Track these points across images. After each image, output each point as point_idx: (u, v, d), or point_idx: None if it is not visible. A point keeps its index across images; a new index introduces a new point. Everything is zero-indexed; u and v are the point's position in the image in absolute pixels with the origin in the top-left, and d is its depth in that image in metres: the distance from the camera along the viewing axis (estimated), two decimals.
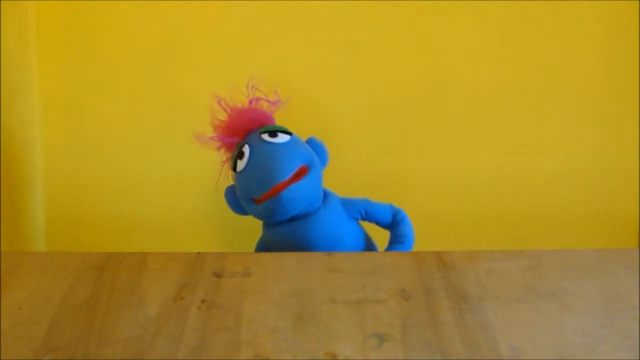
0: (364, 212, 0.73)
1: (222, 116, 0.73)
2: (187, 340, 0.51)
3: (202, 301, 0.55)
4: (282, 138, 0.69)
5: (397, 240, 0.72)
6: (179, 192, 0.95)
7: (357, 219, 0.73)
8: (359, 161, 0.94)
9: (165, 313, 0.54)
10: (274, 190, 0.66)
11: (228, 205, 0.73)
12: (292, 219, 0.69)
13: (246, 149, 0.69)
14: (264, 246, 0.75)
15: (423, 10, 0.90)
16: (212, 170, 0.94)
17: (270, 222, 0.71)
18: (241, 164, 0.69)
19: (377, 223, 0.74)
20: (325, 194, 0.72)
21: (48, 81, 0.91)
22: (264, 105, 0.73)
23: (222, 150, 0.74)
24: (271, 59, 0.91)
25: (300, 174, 0.68)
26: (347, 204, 0.73)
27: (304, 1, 0.89)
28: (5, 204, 0.83)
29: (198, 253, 0.62)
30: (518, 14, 0.90)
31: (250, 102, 0.73)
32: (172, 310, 0.54)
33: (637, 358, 0.50)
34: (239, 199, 0.71)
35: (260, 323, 0.53)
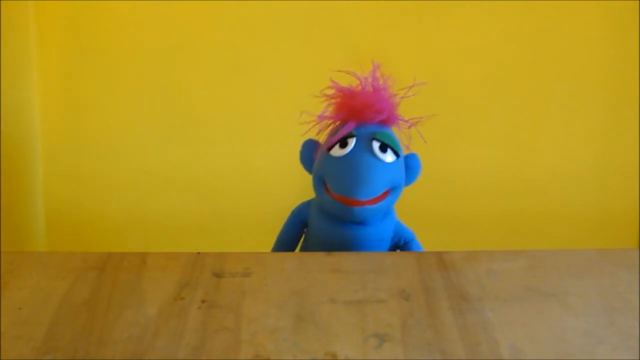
0: (404, 243, 0.71)
1: (354, 89, 0.67)
2: (187, 340, 0.51)
3: (202, 301, 0.55)
4: (388, 157, 0.65)
5: None
6: (179, 192, 0.95)
7: (395, 245, 0.71)
8: None
9: (165, 313, 0.54)
10: (351, 201, 0.64)
11: (301, 156, 0.69)
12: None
13: (351, 143, 0.65)
14: (307, 211, 0.71)
15: (423, 10, 0.90)
16: (212, 170, 0.95)
17: (327, 211, 0.68)
18: (338, 152, 0.65)
19: None
20: (387, 211, 0.69)
21: (48, 81, 0.91)
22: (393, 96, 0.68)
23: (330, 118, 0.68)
24: (271, 59, 0.91)
25: (381, 197, 0.65)
26: (398, 228, 0.70)
27: (306, 2, 0.89)
28: (5, 204, 0.83)
29: (198, 253, 0.62)
30: (518, 14, 0.90)
31: (384, 87, 0.68)
32: (172, 310, 0.54)
33: (637, 358, 0.50)
34: (314, 169, 0.67)
35: (260, 323, 0.53)
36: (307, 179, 0.91)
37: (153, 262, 0.61)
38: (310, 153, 0.69)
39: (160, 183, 0.94)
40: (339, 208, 0.65)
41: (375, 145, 0.65)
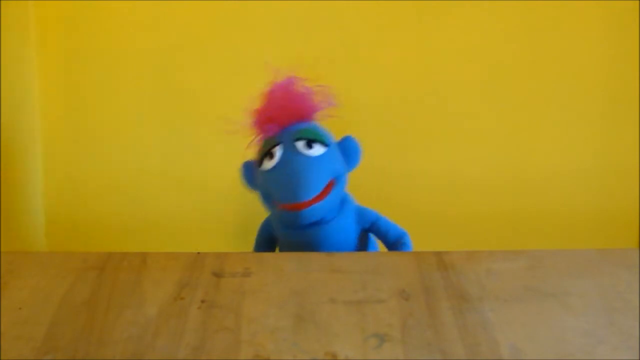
0: (371, 224, 0.71)
1: (265, 98, 0.68)
2: (187, 340, 0.51)
3: (202, 301, 0.55)
4: (316, 150, 0.65)
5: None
6: (179, 192, 0.95)
7: (362, 229, 0.71)
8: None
9: (165, 313, 0.54)
10: (295, 206, 0.64)
11: (242, 178, 0.70)
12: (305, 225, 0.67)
13: (277, 152, 0.65)
14: (268, 234, 0.73)
15: (423, 11, 0.90)
16: (212, 170, 0.95)
17: (283, 224, 0.69)
18: (268, 165, 0.66)
19: (381, 238, 0.72)
20: (343, 200, 0.69)
21: (48, 81, 0.91)
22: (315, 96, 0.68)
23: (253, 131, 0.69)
24: (272, 60, 0.91)
25: (325, 191, 0.65)
26: (360, 213, 0.70)
27: (306, 2, 0.89)
28: (5, 204, 0.83)
29: (198, 253, 0.62)
30: (518, 14, 0.90)
31: (295, 86, 0.68)
32: (172, 310, 0.54)
33: (637, 358, 0.50)
34: (258, 189, 0.68)
35: (260, 323, 0.53)
36: None
37: (153, 262, 0.61)
38: (250, 174, 0.70)
39: (160, 183, 0.94)
40: (290, 216, 0.66)
41: (300, 144, 0.65)
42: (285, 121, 0.67)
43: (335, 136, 0.92)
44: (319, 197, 0.65)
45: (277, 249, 0.75)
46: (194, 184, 0.95)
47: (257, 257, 0.62)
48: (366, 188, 0.90)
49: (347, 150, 0.69)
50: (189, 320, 0.53)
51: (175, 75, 0.91)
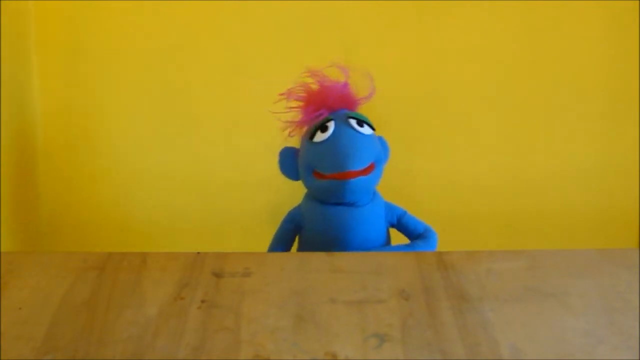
0: (398, 220, 0.74)
1: (315, 86, 0.73)
2: (187, 340, 0.51)
3: (202, 301, 0.55)
4: (366, 130, 0.71)
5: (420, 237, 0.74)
6: (179, 192, 0.95)
7: (390, 224, 0.75)
8: None
9: (165, 313, 0.54)
10: (344, 174, 0.68)
11: (281, 165, 0.74)
12: (340, 204, 0.71)
13: (331, 125, 0.70)
14: (296, 217, 0.74)
15: (424, 11, 0.90)
16: (212, 170, 0.95)
17: (319, 198, 0.72)
18: (321, 137, 0.70)
19: (408, 234, 0.75)
20: (374, 193, 0.74)
21: (48, 81, 0.91)
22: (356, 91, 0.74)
23: (303, 116, 0.73)
24: (271, 60, 0.91)
25: (368, 169, 0.69)
26: (388, 207, 0.74)
27: (306, 2, 0.89)
28: (5, 204, 0.83)
29: (198, 253, 0.62)
30: (518, 14, 0.90)
31: (346, 82, 0.73)
32: (172, 310, 0.54)
33: (637, 358, 0.50)
34: (299, 164, 0.72)
35: (260, 323, 0.53)
36: None
37: (153, 262, 0.61)
38: (291, 159, 0.73)
39: (160, 183, 0.94)
40: (334, 188, 0.69)
41: (353, 122, 0.71)
42: (336, 105, 0.72)
43: None
44: (365, 171, 0.69)
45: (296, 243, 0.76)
46: (194, 184, 0.95)
47: (257, 257, 0.62)
48: None
49: (382, 145, 0.75)
50: (189, 320, 0.53)
51: (176, 75, 0.91)
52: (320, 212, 0.71)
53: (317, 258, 0.62)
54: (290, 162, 0.73)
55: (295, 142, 0.74)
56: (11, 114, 0.85)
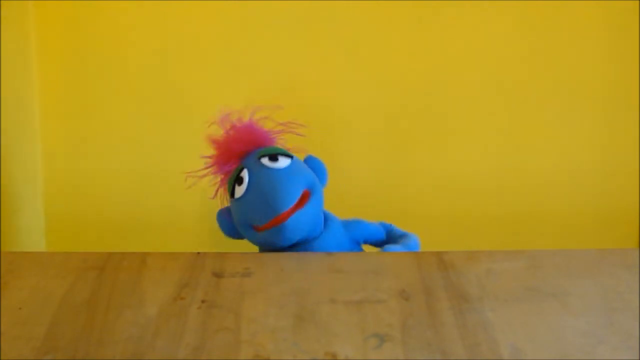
0: (362, 232, 0.71)
1: (220, 136, 0.70)
2: (187, 340, 0.51)
3: (202, 301, 0.55)
4: (282, 162, 0.66)
5: (400, 237, 0.71)
6: (179, 192, 0.95)
7: (359, 242, 0.71)
8: (359, 162, 0.94)
9: (165, 313, 0.54)
10: (276, 220, 0.63)
11: (221, 229, 0.70)
12: (294, 245, 0.66)
13: (245, 175, 0.66)
14: None
15: (423, 12, 0.90)
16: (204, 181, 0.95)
17: (271, 249, 0.68)
18: (240, 190, 0.66)
19: (373, 243, 0.72)
20: (326, 217, 0.70)
21: (48, 81, 0.91)
22: (266, 124, 0.70)
23: (216, 171, 0.71)
24: (272, 60, 0.91)
25: (302, 200, 0.65)
26: (347, 226, 0.70)
27: (306, 2, 0.89)
28: (5, 204, 0.83)
29: (198, 253, 0.62)
30: (518, 15, 0.90)
31: (248, 121, 0.70)
32: (172, 310, 0.54)
33: (637, 358, 0.50)
34: (236, 224, 0.68)
35: (260, 323, 0.53)
36: None
37: (153, 262, 0.61)
38: (227, 219, 0.69)
39: (160, 183, 0.94)
40: (276, 235, 0.64)
41: (265, 160, 0.66)
42: (245, 149, 0.68)
43: (336, 136, 0.92)
44: (299, 204, 0.64)
45: None
46: (194, 184, 0.95)
47: (257, 257, 0.62)
48: (366, 189, 0.90)
49: (314, 167, 0.70)
50: (189, 320, 0.53)
51: (176, 75, 0.91)
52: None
53: (317, 258, 0.62)
54: (228, 224, 0.69)
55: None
56: (11, 114, 0.85)
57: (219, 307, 0.55)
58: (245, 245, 0.94)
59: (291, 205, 0.63)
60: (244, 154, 0.68)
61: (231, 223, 0.69)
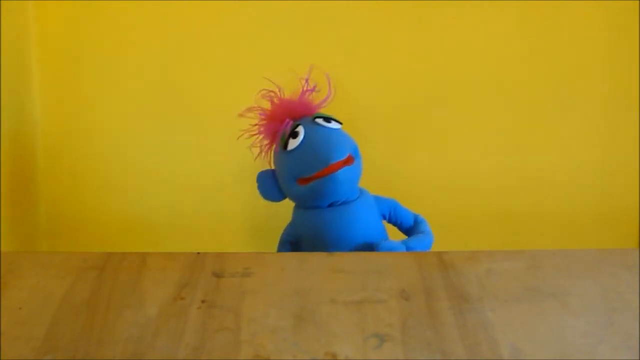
0: (391, 211, 0.76)
1: (269, 104, 0.74)
2: (187, 340, 0.51)
3: (202, 301, 0.55)
4: (335, 125, 0.72)
5: (419, 232, 0.75)
6: (179, 192, 0.95)
7: (384, 217, 0.76)
8: None
9: (165, 313, 0.54)
10: (329, 168, 0.69)
11: (261, 189, 0.75)
12: (331, 205, 0.71)
13: (300, 129, 0.71)
14: (293, 232, 0.75)
15: (425, 11, 0.90)
16: (212, 170, 0.95)
17: (310, 205, 0.72)
18: (294, 143, 0.70)
19: (399, 225, 0.77)
20: (360, 189, 0.75)
21: (48, 81, 0.91)
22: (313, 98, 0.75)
23: (259, 137, 0.75)
24: (271, 60, 0.91)
25: (350, 159, 0.70)
26: (378, 200, 0.75)
27: (306, 2, 0.89)
28: (5, 204, 0.83)
29: (198, 253, 0.62)
30: (518, 14, 0.90)
31: (302, 93, 0.74)
32: (172, 310, 0.54)
33: (637, 358, 0.50)
34: (280, 180, 0.73)
35: (260, 323, 0.53)
36: None
37: (153, 262, 0.61)
38: (270, 181, 0.74)
39: (160, 183, 0.94)
40: (323, 186, 0.69)
41: (320, 120, 0.72)
42: (297, 114, 0.73)
43: None
44: (347, 161, 0.70)
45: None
46: (195, 184, 0.95)
47: (257, 257, 0.62)
48: (366, 188, 0.90)
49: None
50: (189, 320, 0.53)
51: (176, 75, 0.91)
52: (315, 218, 0.72)
53: (317, 258, 0.62)
54: (270, 184, 0.74)
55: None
56: (11, 114, 0.85)
57: (219, 307, 0.55)
58: (245, 246, 0.94)
59: (342, 159, 0.69)
60: (298, 117, 0.73)
61: (272, 183, 0.74)
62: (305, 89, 0.74)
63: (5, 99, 0.83)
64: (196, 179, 0.95)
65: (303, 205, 0.73)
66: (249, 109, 0.74)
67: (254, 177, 0.95)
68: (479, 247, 0.65)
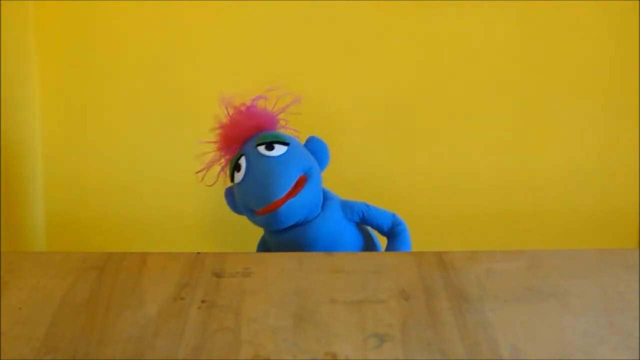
0: (362, 215, 0.72)
1: (223, 120, 0.72)
2: (187, 340, 0.51)
3: (202, 301, 0.55)
4: (278, 150, 0.68)
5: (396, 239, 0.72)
6: (179, 192, 0.95)
7: (355, 222, 0.72)
8: (358, 161, 0.94)
9: (165, 313, 0.54)
10: (270, 207, 0.66)
11: (228, 205, 0.74)
12: (293, 226, 0.69)
13: (242, 162, 0.68)
14: (265, 248, 0.75)
15: (423, 10, 0.90)
16: (212, 170, 0.95)
17: (270, 230, 0.71)
18: (238, 177, 0.69)
19: (375, 228, 0.73)
20: (326, 197, 0.72)
21: (48, 81, 0.91)
22: (268, 107, 0.72)
23: (221, 155, 0.74)
24: (271, 60, 0.91)
25: (298, 186, 0.67)
26: (345, 207, 0.72)
27: (306, 2, 0.89)
28: (5, 204, 0.83)
29: (198, 253, 0.62)
30: (518, 14, 0.90)
31: (250, 105, 0.71)
32: (172, 310, 0.54)
33: (637, 358, 0.50)
34: (238, 206, 0.72)
35: (260, 323, 0.53)
36: None
37: (153, 262, 0.61)
38: (233, 199, 0.72)
39: (160, 183, 0.94)
40: (271, 220, 0.68)
41: (261, 148, 0.68)
42: (246, 135, 0.70)
43: (336, 136, 0.91)
44: (291, 193, 0.67)
45: None
46: (194, 185, 0.95)
47: (257, 257, 0.62)
48: (366, 188, 0.90)
49: (314, 150, 0.72)
50: (189, 320, 0.53)
51: (175, 75, 0.91)
52: (278, 240, 0.71)
53: (317, 258, 0.62)
54: (233, 202, 0.73)
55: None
56: (11, 114, 0.85)
57: (219, 307, 0.55)
58: (245, 246, 0.94)
59: (284, 193, 0.66)
60: (245, 139, 0.70)
61: (234, 201, 0.72)
62: (250, 102, 0.71)
63: (5, 99, 0.83)
64: (196, 179, 0.95)
65: (264, 229, 0.72)
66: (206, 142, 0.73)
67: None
68: (479, 247, 0.65)
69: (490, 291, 0.57)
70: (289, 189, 0.66)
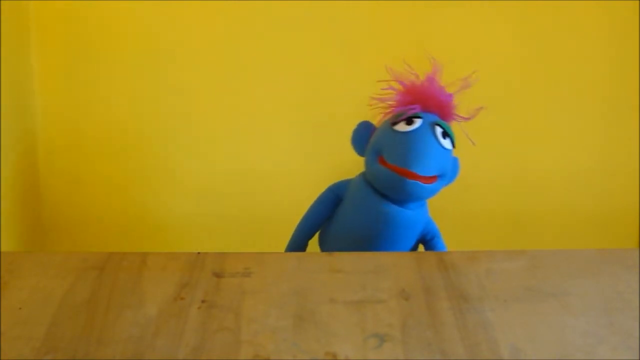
0: (429, 238, 0.74)
1: (418, 82, 0.73)
2: (187, 340, 0.51)
3: (202, 301, 0.55)
4: (446, 144, 0.70)
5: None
6: (179, 192, 0.95)
7: (421, 237, 0.74)
8: (358, 161, 0.94)
9: (165, 313, 0.54)
10: (405, 172, 0.67)
11: (353, 135, 0.73)
12: (389, 199, 0.70)
13: (417, 122, 0.69)
14: (346, 187, 0.74)
15: (423, 11, 0.90)
16: (212, 170, 0.95)
17: (374, 184, 0.71)
18: (403, 128, 0.69)
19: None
20: (424, 206, 0.74)
21: (48, 81, 0.91)
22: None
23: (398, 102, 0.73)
24: (271, 59, 0.91)
25: (430, 180, 0.69)
26: (428, 223, 0.74)
27: (306, 2, 0.89)
28: (5, 204, 0.83)
29: (198, 253, 0.62)
30: (518, 15, 0.90)
31: (452, 94, 0.73)
32: (172, 310, 0.54)
33: (637, 358, 0.50)
34: (370, 143, 0.72)
35: (260, 323, 0.53)
36: (306, 178, 0.92)
37: (153, 262, 0.61)
38: (366, 133, 0.73)
39: (160, 183, 0.94)
40: (391, 179, 0.68)
41: (438, 130, 0.70)
42: (433, 108, 0.72)
43: (336, 136, 0.91)
44: (427, 179, 0.68)
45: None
46: (194, 184, 0.95)
47: (257, 257, 0.62)
48: None
49: (453, 167, 0.73)
50: (189, 320, 0.53)
51: (176, 75, 0.91)
52: (366, 196, 0.71)
53: (317, 258, 0.62)
54: (363, 136, 0.73)
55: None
56: (11, 114, 0.85)
57: (219, 307, 0.55)
58: (245, 246, 0.94)
59: (422, 175, 0.67)
60: (428, 109, 0.71)
61: (365, 136, 0.73)
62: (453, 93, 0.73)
63: (5, 99, 0.83)
64: (197, 179, 0.95)
65: (368, 179, 0.72)
66: (399, 76, 0.73)
67: (254, 177, 0.95)
68: (479, 247, 0.65)
69: (490, 291, 0.57)
70: (428, 175, 0.68)
